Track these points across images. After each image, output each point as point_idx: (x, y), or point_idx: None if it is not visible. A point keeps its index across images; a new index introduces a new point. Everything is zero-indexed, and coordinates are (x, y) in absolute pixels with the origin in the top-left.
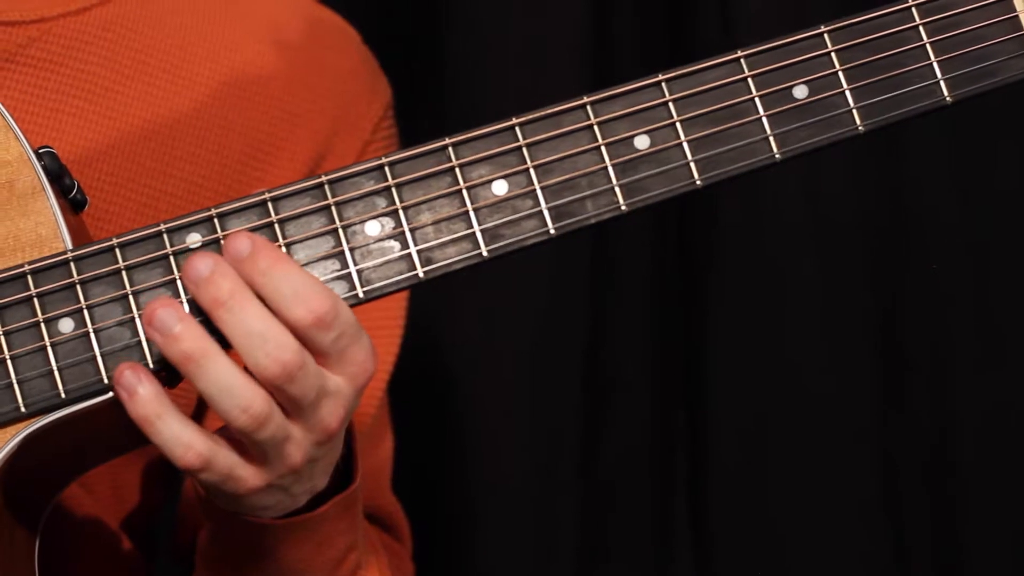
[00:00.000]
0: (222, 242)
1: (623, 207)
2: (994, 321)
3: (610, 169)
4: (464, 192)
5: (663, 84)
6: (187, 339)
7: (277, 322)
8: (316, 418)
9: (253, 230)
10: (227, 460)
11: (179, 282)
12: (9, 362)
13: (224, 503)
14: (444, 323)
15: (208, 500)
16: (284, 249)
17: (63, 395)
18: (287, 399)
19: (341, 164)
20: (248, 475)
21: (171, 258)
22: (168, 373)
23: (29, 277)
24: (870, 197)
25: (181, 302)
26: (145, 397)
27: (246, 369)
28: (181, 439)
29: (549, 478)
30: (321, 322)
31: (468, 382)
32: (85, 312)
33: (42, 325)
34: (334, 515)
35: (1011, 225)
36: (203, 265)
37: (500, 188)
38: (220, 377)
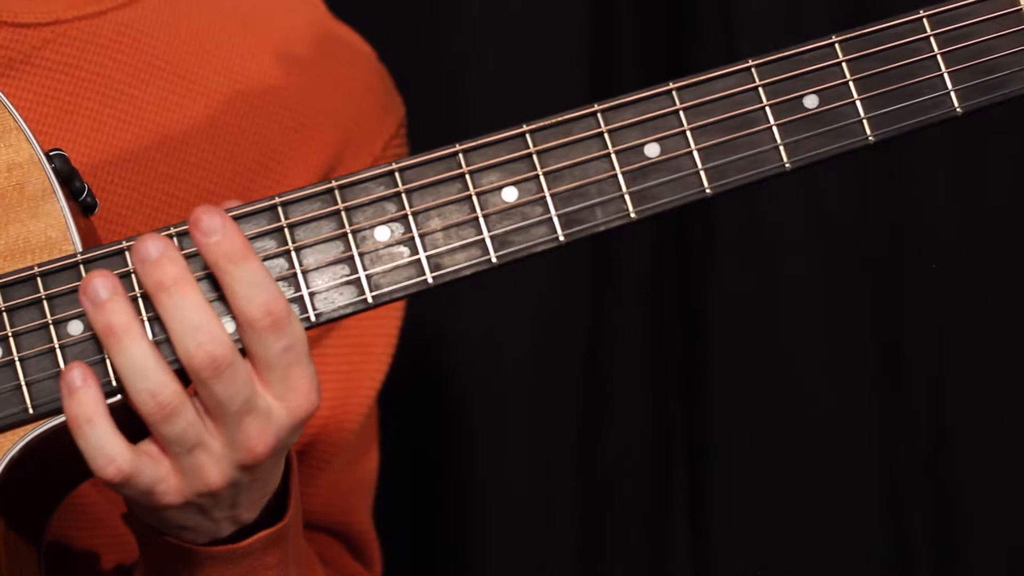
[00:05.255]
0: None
1: (632, 215)
2: (993, 322)
3: (620, 177)
4: (474, 198)
5: (673, 92)
6: (113, 311)
7: (216, 318)
8: (240, 434)
9: (263, 234)
10: (148, 477)
11: None
12: (18, 363)
13: (146, 517)
14: (443, 321)
15: (134, 514)
16: (294, 253)
17: None
18: (212, 398)
19: None
20: (166, 490)
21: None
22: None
23: (38, 279)
24: (869, 197)
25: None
26: (83, 398)
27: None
28: (105, 450)
29: (548, 477)
30: (275, 324)
31: (468, 381)
32: None
33: (51, 327)
34: (260, 549)
35: (1010, 226)
36: (153, 247)
37: (510, 195)
38: (136, 356)
